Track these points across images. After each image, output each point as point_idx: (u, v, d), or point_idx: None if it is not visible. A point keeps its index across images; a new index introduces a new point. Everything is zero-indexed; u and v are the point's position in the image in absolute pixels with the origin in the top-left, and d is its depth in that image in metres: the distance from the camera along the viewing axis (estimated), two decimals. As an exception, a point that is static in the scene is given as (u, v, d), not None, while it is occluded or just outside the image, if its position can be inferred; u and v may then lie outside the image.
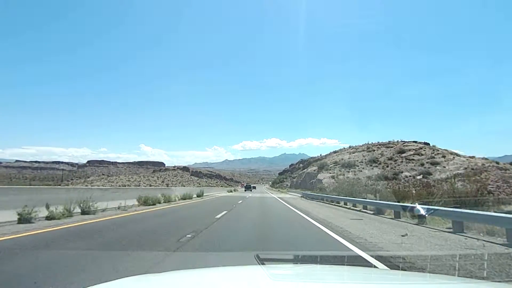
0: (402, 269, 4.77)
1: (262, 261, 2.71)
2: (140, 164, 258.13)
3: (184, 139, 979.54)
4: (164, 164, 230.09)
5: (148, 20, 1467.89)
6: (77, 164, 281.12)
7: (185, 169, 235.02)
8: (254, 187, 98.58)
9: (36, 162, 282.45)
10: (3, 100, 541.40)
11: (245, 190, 73.92)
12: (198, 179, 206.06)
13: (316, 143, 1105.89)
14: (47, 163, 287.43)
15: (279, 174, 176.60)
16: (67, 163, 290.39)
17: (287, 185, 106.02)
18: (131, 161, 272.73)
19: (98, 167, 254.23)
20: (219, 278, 2.10)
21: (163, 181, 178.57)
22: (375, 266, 4.98)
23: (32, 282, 4.07)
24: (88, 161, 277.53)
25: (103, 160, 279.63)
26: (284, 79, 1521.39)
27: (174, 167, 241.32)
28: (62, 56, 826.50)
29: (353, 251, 6.50)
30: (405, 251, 6.50)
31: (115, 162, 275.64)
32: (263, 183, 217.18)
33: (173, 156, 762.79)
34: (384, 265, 5.22)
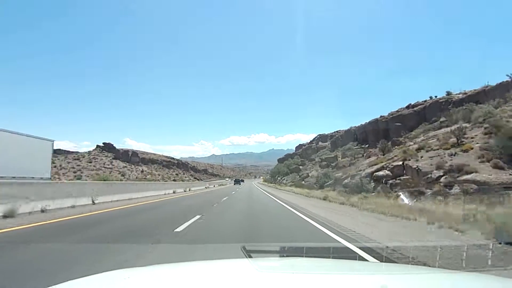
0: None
1: (248, 253, 2.60)
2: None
3: (171, 134, 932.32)
4: (137, 154, 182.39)
5: (138, 16, 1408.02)
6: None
7: (105, 148, 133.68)
8: (243, 180, 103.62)
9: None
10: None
11: (234, 184, 78.82)
12: (130, 166, 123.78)
13: (305, 139, 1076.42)
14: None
15: (279, 161, 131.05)
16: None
17: (333, 177, 50.10)
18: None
19: (56, 157, 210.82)
20: (206, 270, 2.12)
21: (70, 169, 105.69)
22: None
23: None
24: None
25: (59, 149, 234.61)
26: (273, 73, 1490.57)
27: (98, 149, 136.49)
28: (58, 54, 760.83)
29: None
30: None
31: (76, 152, 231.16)
32: (251, 178, 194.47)
33: (158, 151, 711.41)
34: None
